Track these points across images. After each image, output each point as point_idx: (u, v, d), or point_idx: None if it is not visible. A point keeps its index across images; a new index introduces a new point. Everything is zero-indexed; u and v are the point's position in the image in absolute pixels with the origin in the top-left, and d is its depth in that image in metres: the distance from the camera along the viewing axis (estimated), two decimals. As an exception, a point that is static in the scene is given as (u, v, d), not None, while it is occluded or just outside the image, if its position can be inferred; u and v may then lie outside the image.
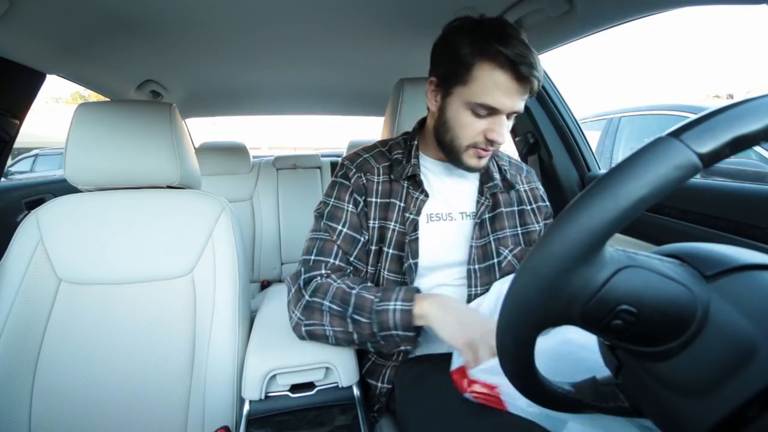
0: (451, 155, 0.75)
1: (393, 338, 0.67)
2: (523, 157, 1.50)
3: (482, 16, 0.69)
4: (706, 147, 0.26)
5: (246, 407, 0.71)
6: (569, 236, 0.28)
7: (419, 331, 0.68)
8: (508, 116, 0.69)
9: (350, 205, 0.77)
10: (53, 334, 0.80)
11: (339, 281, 0.72)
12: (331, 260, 0.75)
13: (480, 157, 0.72)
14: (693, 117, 0.28)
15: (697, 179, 0.96)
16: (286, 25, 1.11)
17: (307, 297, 0.71)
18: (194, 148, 1.96)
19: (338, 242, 0.75)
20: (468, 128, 0.70)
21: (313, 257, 0.75)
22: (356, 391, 0.73)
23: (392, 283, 0.77)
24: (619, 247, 0.32)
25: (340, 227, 0.76)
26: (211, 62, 1.40)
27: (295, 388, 0.73)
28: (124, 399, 0.79)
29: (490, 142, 0.69)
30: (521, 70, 0.63)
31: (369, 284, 0.74)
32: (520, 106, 0.67)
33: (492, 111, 0.67)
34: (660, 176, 0.26)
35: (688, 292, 0.30)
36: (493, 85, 0.65)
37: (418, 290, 0.71)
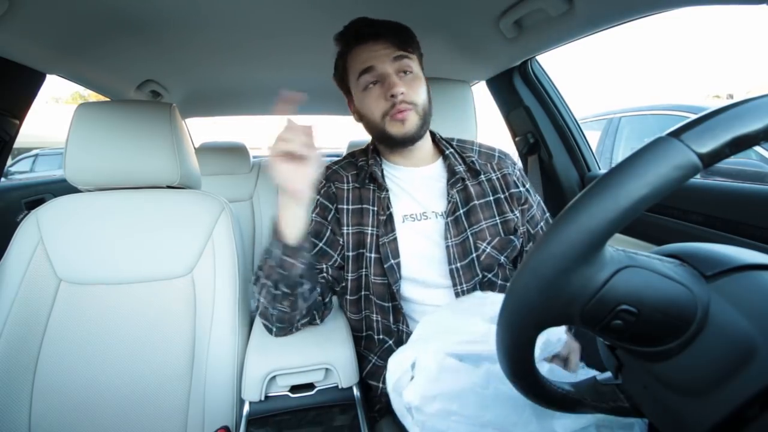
0: (381, 136, 0.79)
1: (279, 261, 0.66)
2: (523, 157, 1.50)
3: None
4: (706, 147, 0.26)
5: (246, 408, 0.70)
6: (569, 236, 0.28)
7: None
8: (404, 73, 0.75)
9: (314, 214, 0.79)
10: (53, 334, 0.80)
11: None
12: None
13: (402, 121, 0.75)
14: (693, 117, 0.28)
15: (697, 179, 0.96)
16: (287, 27, 1.11)
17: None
18: (194, 148, 1.96)
19: None
20: (372, 101, 0.76)
21: None
22: (356, 392, 0.73)
23: (379, 287, 0.78)
24: (619, 247, 0.32)
25: None
26: (211, 63, 1.40)
27: (294, 388, 0.72)
28: (124, 399, 0.79)
29: (394, 97, 0.73)
30: (363, 32, 0.75)
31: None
32: (399, 61, 0.74)
33: (373, 71, 0.75)
34: (660, 176, 0.26)
35: (688, 292, 0.30)
36: (358, 57, 0.76)
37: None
